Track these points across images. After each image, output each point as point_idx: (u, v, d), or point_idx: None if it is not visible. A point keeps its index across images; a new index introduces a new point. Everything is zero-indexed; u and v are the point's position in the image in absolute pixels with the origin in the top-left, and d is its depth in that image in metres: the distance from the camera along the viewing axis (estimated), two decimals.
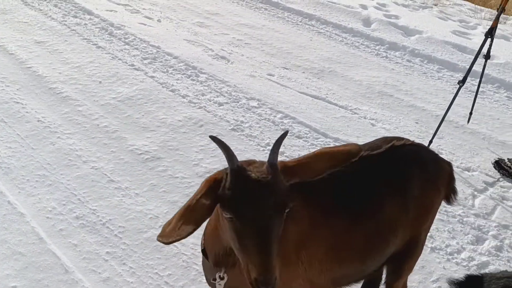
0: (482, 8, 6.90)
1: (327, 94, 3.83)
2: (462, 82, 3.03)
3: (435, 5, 6.83)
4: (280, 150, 2.99)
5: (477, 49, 4.87)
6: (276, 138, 1.17)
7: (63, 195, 2.57)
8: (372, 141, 1.66)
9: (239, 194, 1.09)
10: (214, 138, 1.13)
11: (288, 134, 3.18)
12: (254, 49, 4.54)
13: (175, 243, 2.27)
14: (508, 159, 3.08)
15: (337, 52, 4.68)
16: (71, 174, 2.72)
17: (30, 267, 2.15)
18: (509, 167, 3.01)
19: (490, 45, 3.03)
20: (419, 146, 1.65)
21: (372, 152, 1.51)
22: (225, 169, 1.16)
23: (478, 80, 4.35)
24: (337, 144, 3.12)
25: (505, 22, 6.52)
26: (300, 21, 5.37)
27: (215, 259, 1.32)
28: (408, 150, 1.57)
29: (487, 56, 3.12)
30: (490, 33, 2.90)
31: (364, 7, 5.83)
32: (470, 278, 1.51)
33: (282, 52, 4.53)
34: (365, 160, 1.48)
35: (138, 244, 2.29)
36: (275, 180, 1.11)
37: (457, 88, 3.12)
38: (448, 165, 1.70)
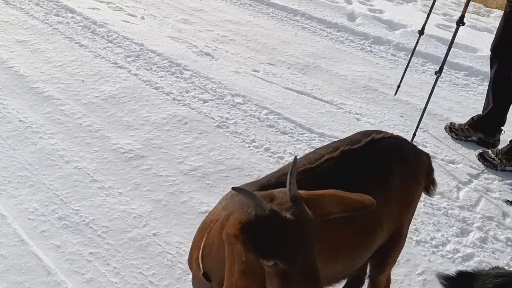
0: (474, 3, 6.93)
1: (312, 89, 3.82)
2: (439, 72, 3.07)
3: None
4: (266, 146, 2.99)
5: (461, 42, 4.91)
6: (290, 168, 1.12)
7: (45, 195, 2.53)
8: (352, 135, 1.65)
9: (282, 240, 1.03)
10: (236, 189, 1.07)
11: (274, 129, 3.19)
12: (239, 45, 4.51)
13: (158, 241, 2.26)
14: (491, 151, 3.10)
15: (322, 47, 4.67)
16: (53, 174, 2.69)
17: (12, 270, 2.12)
18: (493, 159, 3.03)
19: (425, 22, 3.44)
20: (398, 138, 1.65)
21: (353, 147, 1.51)
22: (242, 212, 1.08)
23: (457, 71, 4.36)
24: (322, 139, 3.11)
25: (488, 15, 6.57)
26: (285, 17, 5.35)
27: (220, 281, 1.28)
28: (388, 143, 1.57)
29: (421, 32, 3.53)
30: (461, 21, 2.99)
31: (348, 1, 5.83)
32: (462, 275, 1.49)
33: (267, 48, 4.51)
34: (346, 154, 1.48)
35: (122, 244, 2.27)
36: (305, 214, 1.08)
37: (435, 79, 3.16)
38: (427, 156, 1.70)
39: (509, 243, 2.44)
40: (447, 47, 3.13)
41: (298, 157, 1.39)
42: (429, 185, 1.73)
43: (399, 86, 3.74)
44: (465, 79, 4.19)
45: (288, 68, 4.16)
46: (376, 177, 1.50)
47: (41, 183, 2.61)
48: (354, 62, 4.39)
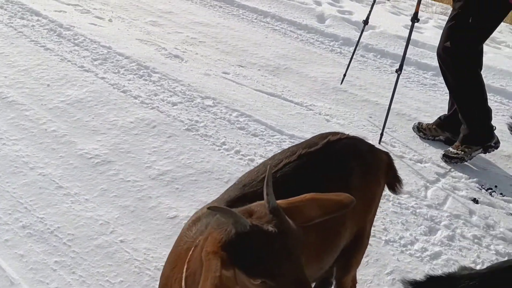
0: (434, 2, 7.06)
1: (282, 91, 3.82)
2: (399, 70, 3.15)
3: (388, 0, 6.94)
4: (236, 148, 2.97)
5: (428, 42, 4.97)
6: (266, 179, 1.07)
7: (8, 204, 2.46)
8: (309, 138, 1.65)
9: (268, 255, 0.98)
10: (212, 208, 1.02)
11: (244, 132, 3.17)
12: (209, 47, 4.49)
13: (126, 248, 2.21)
14: (451, 147, 3.14)
15: (292, 49, 4.68)
16: (17, 181, 2.61)
17: None
18: (456, 153, 3.07)
19: (370, 12, 3.67)
20: (355, 138, 1.65)
21: (310, 150, 1.50)
22: (221, 231, 1.03)
23: (425, 71, 4.44)
24: (292, 141, 3.11)
25: (446, 13, 6.67)
26: (255, 18, 5.35)
27: None
28: (344, 144, 1.57)
29: (366, 22, 3.75)
30: (416, 18, 3.07)
31: (318, 3, 5.87)
32: (432, 279, 1.46)
33: (237, 50, 4.49)
34: (304, 158, 1.48)
35: (88, 252, 2.22)
36: (288, 224, 1.04)
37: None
38: (386, 155, 1.72)
39: (475, 240, 2.48)
40: (405, 44, 3.22)
41: (257, 164, 1.37)
42: (393, 183, 1.75)
43: (344, 75, 3.90)
44: (432, 79, 4.25)
45: (259, 70, 4.15)
46: (335, 178, 1.50)
47: (4, 191, 2.54)
48: (324, 64, 4.41)
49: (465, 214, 2.66)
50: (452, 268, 2.27)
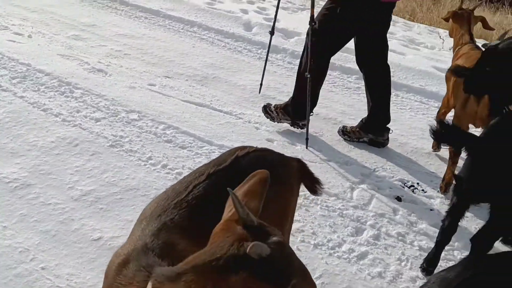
0: None
1: (211, 100, 3.81)
2: (271, 32, 3.35)
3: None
4: (163, 162, 2.92)
5: (351, 47, 5.11)
6: (235, 201, 1.04)
7: None
8: (218, 156, 1.64)
9: (292, 267, 1.00)
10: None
11: (171, 144, 3.12)
12: (134, 59, 4.40)
13: (47, 275, 2.11)
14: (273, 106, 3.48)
15: (220, 58, 4.69)
16: None
17: None
18: (271, 111, 3.43)
19: (274, 22, 3.69)
20: (263, 150, 1.66)
21: (219, 168, 1.50)
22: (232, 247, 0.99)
23: (349, 75, 4.57)
24: (222, 151, 3.10)
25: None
26: (182, 28, 5.32)
27: None
28: (253, 157, 1.57)
29: (272, 33, 3.76)
30: (313, 21, 3.17)
31: (244, 11, 5.92)
32: None
33: (164, 61, 4.44)
34: (213, 177, 1.46)
35: (7, 282, 2.10)
36: (275, 231, 1.04)
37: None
38: (297, 161, 1.75)
39: (400, 237, 2.57)
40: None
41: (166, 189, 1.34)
42: (313, 185, 1.78)
43: (261, 84, 3.89)
44: (356, 83, 4.39)
45: (186, 80, 4.12)
46: None
47: None
48: (252, 72, 4.44)
49: (389, 212, 2.75)
50: (379, 267, 2.34)
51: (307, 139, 3.24)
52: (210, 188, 1.42)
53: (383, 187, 2.96)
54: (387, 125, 3.39)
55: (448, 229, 2.24)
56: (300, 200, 2.70)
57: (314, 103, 3.42)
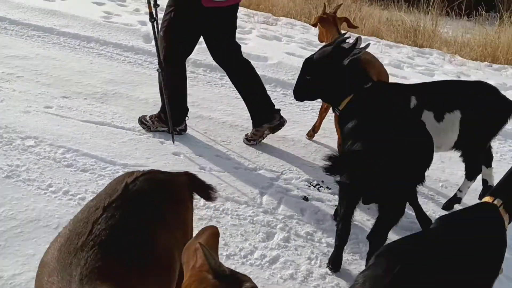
0: (256, 12, 7.45)
1: (112, 118, 3.70)
2: (152, 18, 3.26)
3: None
4: (64, 189, 2.79)
5: (253, 53, 5.21)
6: (205, 254, 1.09)
7: None
8: (106, 186, 1.61)
9: None
10: None
11: (72, 169, 2.99)
12: (28, 82, 4.17)
13: None
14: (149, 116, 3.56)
15: (120, 72, 4.57)
16: None
17: None
18: (147, 121, 3.53)
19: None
20: (151, 172, 1.66)
21: (112, 198, 1.47)
22: None
23: None
24: (126, 170, 3.02)
25: (276, 24, 7.12)
26: (78, 45, 5.12)
27: None
28: (143, 181, 1.57)
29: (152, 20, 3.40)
30: (152, 17, 3.26)
31: (143, 23, 5.82)
32: None
33: (60, 80, 4.25)
34: (110, 209, 1.43)
35: None
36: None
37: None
38: (185, 175, 1.79)
39: (308, 237, 2.65)
40: (155, 42, 3.39)
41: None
42: (205, 193, 1.80)
43: (173, 137, 3.47)
44: None
45: (85, 99, 3.97)
46: (148, 218, 1.49)
47: None
48: (154, 84, 4.35)
49: (297, 213, 2.83)
50: (290, 269, 2.40)
51: (173, 138, 3.41)
52: (111, 221, 1.39)
53: (291, 189, 3.04)
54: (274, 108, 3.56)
55: (343, 233, 2.37)
56: (210, 212, 2.72)
57: (183, 104, 3.55)
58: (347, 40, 2.65)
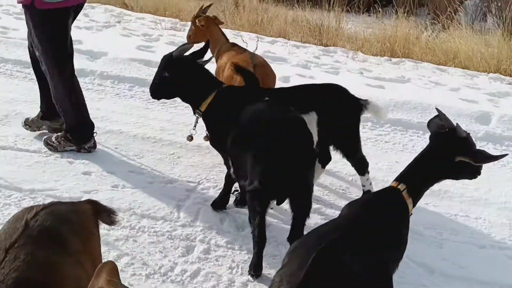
0: (163, 18, 7.36)
1: (15, 141, 3.49)
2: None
3: (118, 22, 6.97)
4: None
5: (155, 60, 5.12)
6: None
7: None
8: (4, 225, 1.52)
9: None
10: None
11: None
12: None
13: None
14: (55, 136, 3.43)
15: (21, 90, 4.34)
16: None
17: None
18: (53, 142, 3.38)
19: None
20: (52, 205, 1.59)
21: (12, 239, 1.39)
22: None
23: None
24: (33, 196, 2.86)
25: (184, 29, 7.07)
26: None
27: None
28: (43, 215, 1.50)
29: None
30: None
31: None
32: None
33: None
34: (13, 250, 1.36)
35: None
36: None
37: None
38: (88, 203, 1.74)
39: (229, 245, 2.66)
40: None
41: None
42: (108, 219, 1.77)
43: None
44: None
45: None
46: (56, 253, 1.43)
47: None
48: None
49: (217, 223, 2.83)
50: (212, 281, 2.39)
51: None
52: (15, 263, 1.31)
53: (209, 199, 3.03)
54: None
55: (260, 239, 2.41)
56: (125, 232, 2.65)
57: (82, 115, 3.44)
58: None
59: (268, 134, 2.38)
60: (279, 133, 2.36)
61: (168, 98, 2.97)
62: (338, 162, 3.49)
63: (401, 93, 5.06)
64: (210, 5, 4.15)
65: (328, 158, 3.23)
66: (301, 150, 2.37)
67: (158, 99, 2.97)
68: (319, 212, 3.04)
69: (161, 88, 2.81)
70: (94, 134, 3.47)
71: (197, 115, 2.84)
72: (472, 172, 2.03)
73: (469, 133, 2.03)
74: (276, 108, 2.56)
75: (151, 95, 2.89)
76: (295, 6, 8.93)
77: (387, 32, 7.15)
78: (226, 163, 2.85)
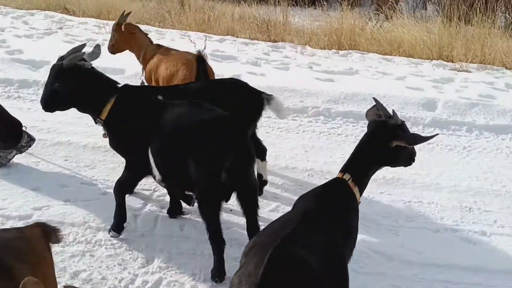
0: (107, 21, 7.17)
1: None
2: None
3: (60, 28, 6.74)
4: None
5: (107, 66, 5.00)
6: None
7: None
8: None
9: None
10: None
11: None
12: None
13: None
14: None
15: None
16: None
17: None
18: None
19: None
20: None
21: None
22: None
23: None
24: None
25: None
26: None
27: None
28: None
29: None
30: None
31: None
32: None
33: None
34: None
35: None
36: None
37: None
38: (37, 227, 1.67)
39: (190, 252, 2.62)
40: None
41: None
42: (55, 239, 1.70)
43: None
44: None
45: None
46: (3, 281, 1.36)
47: None
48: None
49: (176, 230, 2.79)
50: None
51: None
52: None
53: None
54: None
55: (219, 244, 2.39)
56: (81, 247, 2.58)
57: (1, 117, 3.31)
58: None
59: (202, 136, 2.32)
60: (212, 133, 2.32)
61: (62, 109, 2.77)
62: (295, 158, 3.52)
63: (350, 85, 5.14)
64: (129, 13, 4.06)
65: (263, 150, 3.22)
66: (238, 145, 2.34)
67: (52, 111, 2.76)
68: (277, 210, 3.05)
69: (54, 99, 2.63)
70: (24, 128, 3.33)
71: (99, 124, 2.68)
72: (408, 157, 2.12)
73: (404, 121, 2.11)
74: (197, 108, 2.47)
75: (43, 108, 2.69)
76: (241, 2, 8.91)
77: (333, 25, 7.25)
78: (132, 168, 2.66)
